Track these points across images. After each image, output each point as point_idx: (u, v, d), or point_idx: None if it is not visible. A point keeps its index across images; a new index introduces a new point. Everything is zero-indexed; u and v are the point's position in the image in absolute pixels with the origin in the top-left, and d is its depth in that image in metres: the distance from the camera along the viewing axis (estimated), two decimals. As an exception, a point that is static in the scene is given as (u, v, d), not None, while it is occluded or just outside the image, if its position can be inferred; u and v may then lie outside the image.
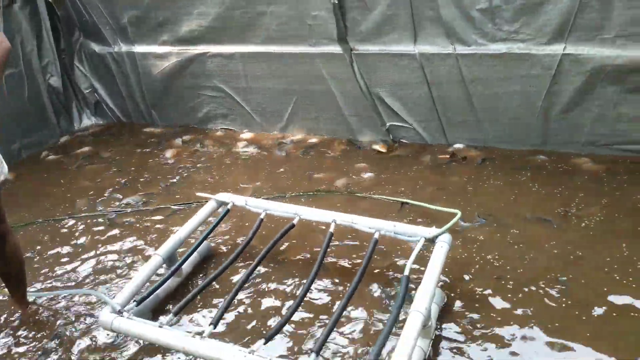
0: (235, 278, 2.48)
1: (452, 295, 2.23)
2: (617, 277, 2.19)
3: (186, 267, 2.53)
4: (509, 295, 2.19)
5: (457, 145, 3.39)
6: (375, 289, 2.31)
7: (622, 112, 2.89)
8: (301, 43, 3.48)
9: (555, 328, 2.00)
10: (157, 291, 2.27)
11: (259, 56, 3.67)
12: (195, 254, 2.55)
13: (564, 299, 2.12)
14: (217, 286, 2.44)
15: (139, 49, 4.11)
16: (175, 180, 3.50)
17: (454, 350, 1.99)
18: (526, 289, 2.20)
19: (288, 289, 2.39)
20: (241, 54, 3.71)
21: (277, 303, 2.32)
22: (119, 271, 2.65)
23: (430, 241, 2.18)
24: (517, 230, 2.56)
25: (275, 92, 3.78)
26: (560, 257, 2.35)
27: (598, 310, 2.05)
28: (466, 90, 3.16)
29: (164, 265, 2.39)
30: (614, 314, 2.02)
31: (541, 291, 2.18)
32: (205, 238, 2.45)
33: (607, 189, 2.76)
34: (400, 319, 1.97)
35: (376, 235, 2.26)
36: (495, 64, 3.01)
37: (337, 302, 2.24)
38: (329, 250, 2.34)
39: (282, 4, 3.37)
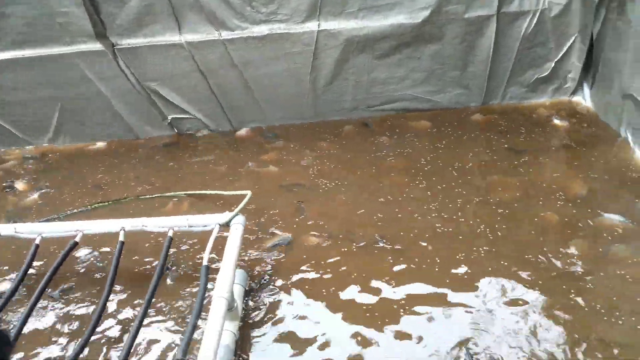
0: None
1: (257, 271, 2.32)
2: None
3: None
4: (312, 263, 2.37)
5: (242, 131, 3.47)
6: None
7: (374, 77, 3.27)
8: (55, 44, 3.14)
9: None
10: None
11: (7, 64, 3.21)
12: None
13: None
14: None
15: None
16: None
17: (267, 324, 2.08)
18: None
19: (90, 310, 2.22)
20: (-17, 64, 3.22)
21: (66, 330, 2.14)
22: None
23: (226, 225, 2.21)
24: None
25: (34, 101, 3.36)
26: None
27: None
28: (240, 74, 3.23)
29: None
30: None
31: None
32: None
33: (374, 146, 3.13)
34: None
35: (170, 233, 2.21)
36: (260, 45, 3.12)
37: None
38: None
39: (22, 3, 2.98)
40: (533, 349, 1.84)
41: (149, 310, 2.17)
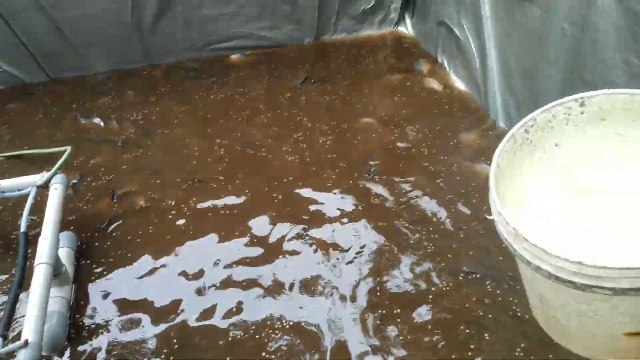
0: None
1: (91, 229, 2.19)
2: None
3: None
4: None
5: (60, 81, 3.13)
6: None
7: (205, 14, 3.11)
8: None
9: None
10: None
11: None
12: None
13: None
14: None
15: None
16: None
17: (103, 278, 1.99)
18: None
19: None
20: None
21: None
22: None
23: (45, 187, 2.03)
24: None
25: None
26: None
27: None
28: (49, 17, 2.87)
29: None
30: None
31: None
32: None
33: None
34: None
35: (-23, 202, 1.97)
36: (70, -17, 2.80)
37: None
38: None
39: None
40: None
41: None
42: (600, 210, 1.06)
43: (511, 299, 1.80)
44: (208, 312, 1.86)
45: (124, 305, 1.91)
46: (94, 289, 1.97)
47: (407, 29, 3.40)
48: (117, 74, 3.16)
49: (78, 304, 1.92)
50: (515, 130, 1.00)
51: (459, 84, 2.88)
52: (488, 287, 1.84)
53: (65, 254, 1.96)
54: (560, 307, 0.91)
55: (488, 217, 0.95)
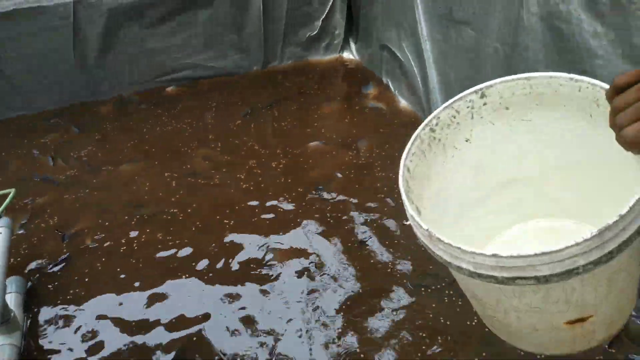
0: None
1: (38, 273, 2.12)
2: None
3: None
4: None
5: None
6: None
7: (151, 47, 3.12)
8: None
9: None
10: None
11: None
12: None
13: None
14: None
15: None
16: None
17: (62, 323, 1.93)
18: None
19: None
20: None
21: None
22: None
23: (-12, 231, 1.96)
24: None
25: None
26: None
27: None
28: (-12, 57, 2.83)
29: None
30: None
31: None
32: None
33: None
34: None
35: None
36: (9, 23, 2.76)
37: None
38: None
39: None
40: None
41: None
42: (521, 198, 1.03)
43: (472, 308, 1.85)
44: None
45: (76, 351, 1.85)
46: (45, 334, 1.90)
47: (352, 53, 3.50)
48: (64, 111, 3.09)
49: (29, 351, 1.85)
50: (419, 131, 0.94)
51: (405, 104, 2.97)
52: (446, 298, 1.89)
53: (13, 299, 1.89)
54: (495, 305, 0.88)
55: (405, 222, 0.90)
